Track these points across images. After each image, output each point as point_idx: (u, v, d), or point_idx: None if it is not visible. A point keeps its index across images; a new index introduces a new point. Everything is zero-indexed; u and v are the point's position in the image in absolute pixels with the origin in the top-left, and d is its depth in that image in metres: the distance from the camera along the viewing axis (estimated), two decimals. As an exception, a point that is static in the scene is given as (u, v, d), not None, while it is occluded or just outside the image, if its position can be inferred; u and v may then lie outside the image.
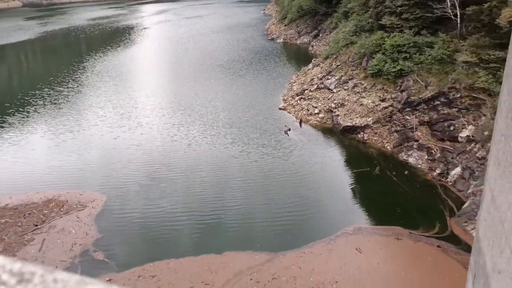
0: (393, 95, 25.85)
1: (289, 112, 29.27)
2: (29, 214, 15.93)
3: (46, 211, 16.15)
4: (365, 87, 28.63)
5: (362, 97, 27.88)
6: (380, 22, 29.46)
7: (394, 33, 27.09)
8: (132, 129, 24.97)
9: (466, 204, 16.31)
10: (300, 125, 27.08)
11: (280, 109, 29.96)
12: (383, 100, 26.33)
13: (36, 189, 17.75)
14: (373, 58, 27.63)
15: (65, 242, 13.82)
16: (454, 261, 12.29)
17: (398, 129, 23.96)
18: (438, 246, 13.15)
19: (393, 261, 12.31)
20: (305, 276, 11.35)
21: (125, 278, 11.55)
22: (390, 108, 25.41)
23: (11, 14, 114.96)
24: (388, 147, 23.03)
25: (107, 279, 11.65)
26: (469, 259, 10.79)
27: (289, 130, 25.65)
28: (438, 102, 22.87)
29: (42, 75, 42.71)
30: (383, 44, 27.08)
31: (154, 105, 30.00)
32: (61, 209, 16.42)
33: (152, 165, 19.75)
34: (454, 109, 22.07)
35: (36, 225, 15.21)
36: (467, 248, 12.90)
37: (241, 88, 34.71)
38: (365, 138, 24.64)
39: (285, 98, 32.21)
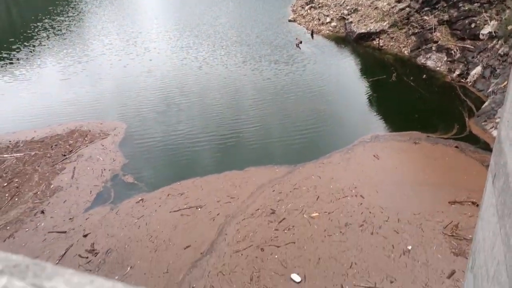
0: (410, -6, 24.15)
1: (299, 24, 27.96)
2: (56, 145, 16.56)
3: (72, 142, 16.75)
4: (379, -12, 26.70)
5: (377, 0, 26.16)
6: None
7: None
8: (140, 55, 24.53)
9: (486, 103, 16.10)
10: (312, 37, 26.03)
11: (290, 21, 28.61)
12: (399, 1, 24.71)
13: (57, 121, 18.21)
14: (388, -47, 25.31)
15: (94, 169, 14.51)
16: (472, 159, 12.53)
17: (416, 31, 22.83)
18: (456, 147, 13.33)
19: (410, 164, 12.64)
20: (325, 184, 11.85)
21: (156, 197, 12.27)
22: (407, 9, 23.94)
23: None
24: (405, 52, 22.21)
25: (139, 199, 12.40)
26: (487, 157, 11.06)
27: (301, 42, 24.74)
28: (459, -2, 21.36)
29: (41, 5, 41.08)
30: None
31: (159, 28, 29.00)
32: (85, 138, 16.97)
33: (166, 91, 19.76)
34: (475, 4, 20.66)
35: (65, 155, 15.89)
36: (485, 147, 13.05)
37: (247, 3, 32.87)
38: (381, 44, 23.69)
39: (294, 8, 30.52)
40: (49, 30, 30.79)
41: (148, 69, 22.43)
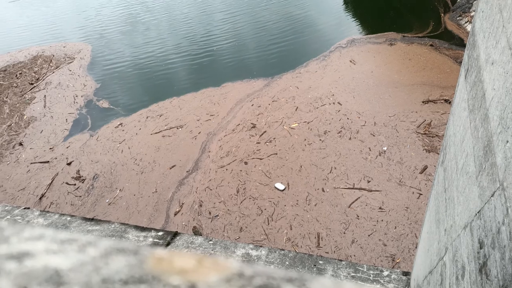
0: None
1: None
2: (20, 74, 15.72)
3: (37, 69, 15.91)
4: None
5: None
6: None
7: None
8: None
9: (461, -3, 15.71)
10: None
11: None
12: None
13: (16, 48, 17.04)
14: None
15: (66, 96, 14.07)
16: (446, 57, 12.63)
17: None
18: (431, 45, 13.31)
19: (386, 66, 12.69)
20: (303, 94, 11.92)
21: (135, 120, 12.20)
22: None
23: None
24: None
25: (118, 123, 12.30)
26: (460, 53, 11.13)
27: None
28: None
29: None
30: None
31: None
32: (50, 64, 16.11)
33: (128, 8, 18.33)
34: None
35: (32, 84, 15.21)
36: (460, 43, 13.08)
37: None
38: None
39: None
40: None
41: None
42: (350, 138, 10.03)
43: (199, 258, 0.46)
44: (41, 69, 15.89)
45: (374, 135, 10.00)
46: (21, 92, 14.79)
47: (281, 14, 16.75)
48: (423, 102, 10.78)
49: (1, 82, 15.92)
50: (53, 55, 16.68)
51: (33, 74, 15.61)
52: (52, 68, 15.84)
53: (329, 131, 10.34)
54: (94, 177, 10.33)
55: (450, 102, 10.42)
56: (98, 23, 17.72)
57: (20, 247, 0.43)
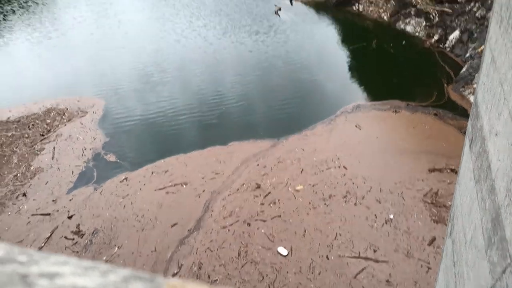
0: (390, -43, 23.68)
1: (278, -10, 27.26)
2: (33, 125, 16.09)
3: (49, 121, 16.30)
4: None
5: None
6: None
7: None
8: (113, 28, 23.58)
9: (463, 69, 16.31)
10: (291, 3, 25.48)
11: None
12: (378, -36, 24.24)
13: (32, 100, 17.62)
14: None
15: (75, 148, 14.24)
16: (450, 127, 12.82)
17: (395, -4, 22.59)
18: (435, 114, 13.58)
19: (391, 133, 12.86)
20: (309, 157, 11.98)
21: (140, 175, 12.20)
22: (386, -28, 23.54)
23: None
24: (384, 17, 22.04)
25: (123, 177, 12.30)
26: (465, 123, 11.30)
27: (280, 10, 24.22)
28: (438, -40, 21.07)
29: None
30: None
31: (130, -3, 27.81)
32: (63, 117, 16.53)
33: (143, 67, 19.21)
34: (455, -34, 20.45)
35: (43, 135, 15.50)
36: (464, 113, 13.34)
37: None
38: (360, 9, 23.41)
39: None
40: (12, 3, 29.11)
41: (123, 44, 21.67)
42: (355, 204, 9.89)
43: (209, 287, 0.52)
44: (53, 121, 16.30)
45: (380, 202, 9.87)
46: (31, 142, 15.05)
47: (290, 78, 17.39)
48: (429, 170, 10.76)
49: (13, 133, 16.28)
50: (67, 108, 17.19)
51: (45, 126, 15.98)
52: (65, 120, 16.25)
53: (334, 195, 10.24)
54: (93, 232, 10.14)
55: (456, 172, 10.40)
56: (113, 80, 18.46)
57: (49, 269, 0.49)
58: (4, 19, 26.67)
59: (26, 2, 28.96)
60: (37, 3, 28.76)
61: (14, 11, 27.75)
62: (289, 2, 25.46)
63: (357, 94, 15.90)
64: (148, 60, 19.71)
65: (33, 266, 0.49)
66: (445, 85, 15.57)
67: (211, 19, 23.45)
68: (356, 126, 13.33)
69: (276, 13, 23.89)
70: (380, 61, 18.40)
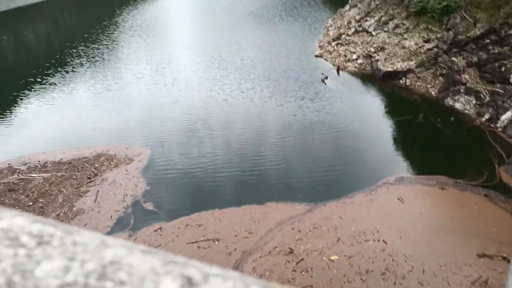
0: (438, 35, 24.18)
1: (325, 59, 28.30)
2: (82, 168, 16.95)
3: (97, 165, 17.11)
4: (407, 28, 26.91)
5: (404, 38, 26.30)
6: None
7: (441, -34, 24.80)
8: (168, 85, 25.22)
9: (516, 151, 15.58)
10: (338, 73, 26.21)
11: (317, 56, 29.00)
12: (427, 41, 24.74)
13: (86, 144, 18.67)
14: (417, -6, 25.73)
15: (117, 194, 14.65)
16: (502, 210, 11.99)
17: (444, 72, 22.66)
18: (486, 195, 12.82)
19: (436, 210, 12.20)
20: (346, 226, 11.54)
21: (174, 227, 12.22)
22: (435, 49, 23.90)
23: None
24: (432, 93, 21.99)
25: (158, 227, 12.37)
26: (518, 208, 10.43)
27: (326, 78, 24.93)
28: (488, 41, 21.19)
29: (77, 32, 43.29)
30: (429, -22, 25.00)
31: (188, 59, 29.91)
32: (111, 162, 17.32)
33: (190, 122, 20.10)
34: (506, 47, 20.42)
35: (90, 178, 16.19)
36: (517, 197, 12.51)
37: (276, 36, 33.67)
38: (408, 83, 23.59)
39: (321, 44, 30.98)
40: (82, 57, 32.25)
41: (175, 100, 22.99)
42: (395, 283, 9.21)
43: None
44: (101, 166, 17.11)
45: (422, 285, 9.12)
46: (78, 184, 15.76)
47: (332, 145, 17.40)
48: (478, 255, 9.94)
49: (63, 173, 17.20)
50: (115, 155, 18.08)
51: (93, 169, 16.78)
52: (112, 166, 17.02)
53: (371, 271, 9.62)
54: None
55: (509, 261, 9.51)
56: (161, 132, 19.38)
57: None
58: (72, 71, 29.42)
59: (94, 57, 31.99)
60: (103, 59, 31.65)
61: (82, 64, 30.64)
62: (335, 72, 26.23)
63: (401, 166, 15.50)
64: (196, 116, 20.64)
65: None
66: (497, 165, 14.85)
67: (259, 83, 24.52)
68: (398, 199, 12.82)
69: (323, 81, 24.60)
70: (427, 136, 18.05)
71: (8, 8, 55.90)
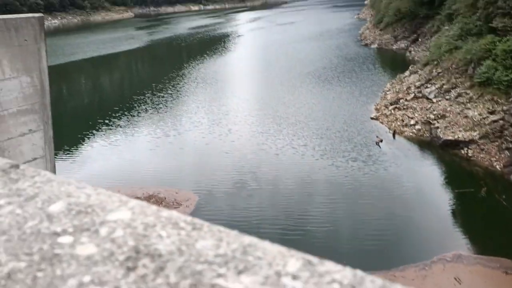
0: (505, 107, 23.09)
1: (381, 122, 27.90)
2: (133, 207, 17.55)
3: (147, 207, 17.64)
4: (470, 97, 26.05)
5: (467, 108, 25.38)
6: (490, 24, 26.73)
7: (508, 37, 24.28)
8: (223, 135, 26.05)
9: None
10: (394, 137, 25.61)
11: (372, 118, 28.72)
12: (492, 113, 23.66)
13: (139, 185, 19.40)
14: (481, 65, 25.08)
15: (160, 238, 14.76)
16: None
17: (510, 146, 21.29)
18: (560, 288, 11.30)
19: (500, 297, 10.91)
20: (395, 302, 10.58)
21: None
22: (501, 121, 22.71)
23: (125, 24, 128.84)
24: (497, 167, 20.58)
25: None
26: None
27: (381, 141, 24.41)
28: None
29: (147, 80, 46.94)
30: (494, 49, 24.46)
31: (244, 112, 30.95)
32: (160, 205, 17.76)
33: (240, 173, 20.35)
34: None
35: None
36: None
37: (332, 96, 34.09)
38: (470, 154, 22.35)
39: (378, 107, 30.77)
40: (148, 104, 34.65)
41: (227, 150, 23.59)
42: None
43: None
44: (150, 207, 17.64)
45: None
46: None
47: (383, 211, 16.57)
48: None
49: (115, 211, 17.93)
50: (165, 198, 18.60)
51: (142, 210, 17.29)
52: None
53: None
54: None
55: None
56: (211, 180, 19.77)
57: None
58: (137, 115, 31.58)
59: (158, 105, 34.26)
60: (166, 106, 33.78)
61: (146, 110, 32.85)
62: (391, 135, 25.66)
63: (459, 242, 14.26)
64: (246, 168, 20.89)
65: None
66: None
67: (311, 140, 24.57)
68: (455, 279, 11.67)
69: (377, 144, 24.10)
70: (489, 212, 16.65)
71: (91, 56, 62.54)
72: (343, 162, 21.46)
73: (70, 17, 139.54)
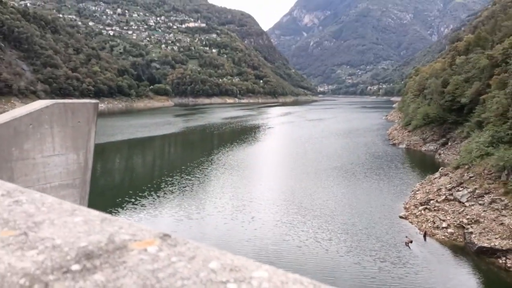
0: (545, 217, 21.76)
1: (411, 222, 26.73)
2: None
3: None
4: (505, 204, 24.92)
5: (503, 215, 24.12)
6: (523, 133, 26.62)
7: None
8: (245, 223, 25.58)
9: None
10: (424, 239, 24.23)
11: (401, 217, 27.64)
12: (531, 221, 22.29)
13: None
14: (516, 172, 24.43)
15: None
16: None
17: (555, 259, 19.54)
18: None
19: None
20: None
21: None
22: (543, 231, 21.24)
23: (164, 111, 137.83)
24: (542, 281, 18.69)
25: None
26: None
27: (411, 242, 23.09)
28: None
29: (176, 163, 48.40)
30: (528, 158, 23.98)
31: (269, 200, 30.70)
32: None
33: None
34: None
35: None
36: None
37: (359, 192, 33.53)
38: (509, 265, 20.59)
39: (407, 206, 29.81)
40: (175, 186, 35.22)
41: (249, 238, 22.93)
42: None
43: None
44: None
45: None
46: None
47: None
48: None
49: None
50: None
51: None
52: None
53: None
54: None
55: None
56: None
57: None
58: (163, 196, 31.91)
59: (184, 187, 34.73)
60: (192, 189, 34.15)
61: (172, 192, 33.25)
62: (422, 237, 24.31)
63: None
64: (267, 259, 19.95)
65: None
66: None
67: (337, 235, 23.58)
68: None
69: (407, 244, 22.77)
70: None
71: (129, 138, 66.14)
72: (370, 262, 20.17)
73: (116, 103, 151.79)
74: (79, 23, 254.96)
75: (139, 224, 1.20)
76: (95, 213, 1.27)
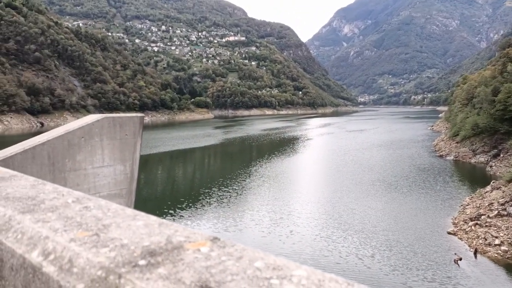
0: None
1: (460, 238, 25.06)
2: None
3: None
4: None
5: None
6: None
7: None
8: (283, 237, 25.11)
9: None
10: (475, 256, 22.57)
11: (449, 233, 25.99)
12: None
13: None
14: None
15: None
16: None
17: None
18: None
19: None
20: None
21: None
22: None
23: (205, 123, 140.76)
24: None
25: None
26: None
27: (460, 259, 21.57)
28: None
29: (215, 175, 48.82)
30: None
31: (308, 214, 30.03)
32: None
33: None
34: None
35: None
36: None
37: (403, 206, 32.04)
38: None
39: (456, 221, 28.03)
40: (213, 197, 35.42)
41: (286, 253, 22.42)
42: None
43: None
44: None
45: None
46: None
47: None
48: None
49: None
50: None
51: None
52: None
53: None
54: None
55: None
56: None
57: None
58: (201, 207, 32.14)
59: (222, 199, 34.86)
60: (229, 201, 34.17)
61: (210, 203, 33.45)
62: (472, 254, 22.66)
63: None
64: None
65: None
66: None
67: (380, 252, 22.50)
68: None
69: (456, 262, 21.28)
70: None
71: (171, 149, 67.87)
72: (417, 282, 18.99)
73: (159, 115, 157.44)
74: (126, 40, 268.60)
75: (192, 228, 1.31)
76: (153, 218, 1.48)
